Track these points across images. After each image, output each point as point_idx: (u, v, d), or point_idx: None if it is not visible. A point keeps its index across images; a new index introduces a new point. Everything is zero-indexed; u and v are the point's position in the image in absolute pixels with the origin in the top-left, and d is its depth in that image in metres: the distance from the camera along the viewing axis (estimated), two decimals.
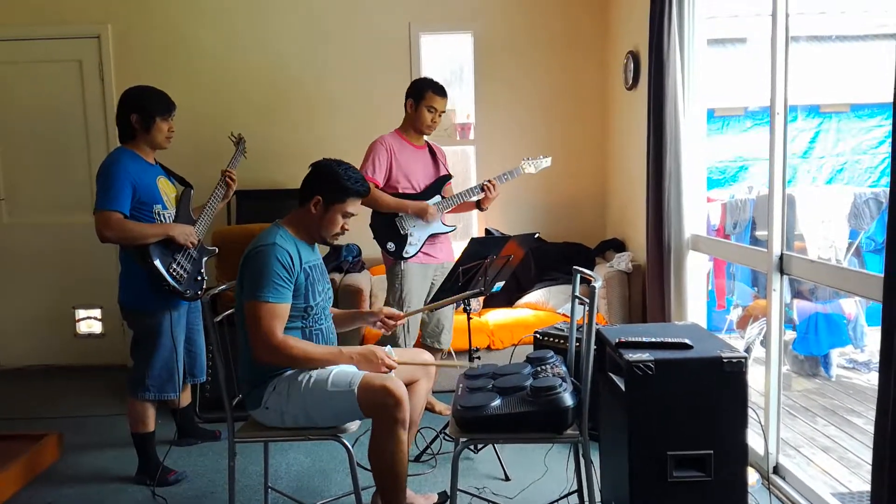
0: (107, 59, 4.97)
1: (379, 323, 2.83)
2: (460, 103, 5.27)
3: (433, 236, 3.72)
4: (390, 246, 3.63)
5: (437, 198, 3.73)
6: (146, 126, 3.17)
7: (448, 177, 3.83)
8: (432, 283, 3.79)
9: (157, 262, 3.06)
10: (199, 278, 3.26)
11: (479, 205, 3.78)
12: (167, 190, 3.27)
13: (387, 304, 2.88)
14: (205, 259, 3.32)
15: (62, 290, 5.11)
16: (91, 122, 5.03)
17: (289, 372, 2.52)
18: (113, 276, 3.25)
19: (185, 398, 3.60)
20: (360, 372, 2.49)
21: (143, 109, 3.16)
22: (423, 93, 3.68)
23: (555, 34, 5.09)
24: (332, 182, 2.55)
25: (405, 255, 3.64)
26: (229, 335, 2.66)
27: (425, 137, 3.83)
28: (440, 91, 3.70)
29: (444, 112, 3.75)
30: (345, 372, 2.49)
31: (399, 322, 2.86)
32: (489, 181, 3.68)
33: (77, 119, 5.03)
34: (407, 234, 3.64)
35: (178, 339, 3.26)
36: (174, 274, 3.12)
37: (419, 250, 3.68)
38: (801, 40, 7.15)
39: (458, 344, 3.92)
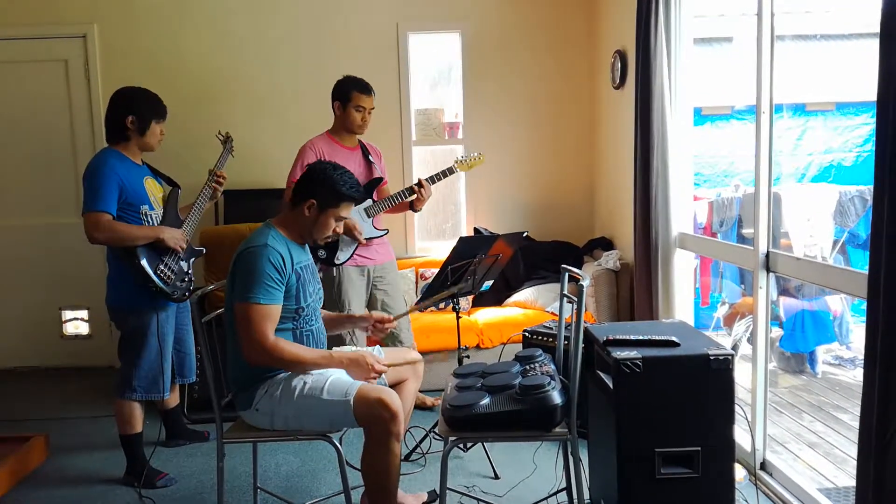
0: (93, 58, 4.93)
1: (371, 329, 2.84)
2: (449, 103, 5.27)
3: (367, 240, 3.69)
4: (321, 253, 3.60)
5: (368, 201, 3.69)
6: (141, 129, 3.16)
7: (379, 179, 3.78)
8: (374, 285, 3.78)
9: (145, 263, 3.05)
10: (187, 279, 3.25)
11: (412, 205, 3.73)
12: (154, 190, 3.26)
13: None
14: (192, 260, 3.32)
15: (48, 291, 5.07)
16: (77, 123, 4.99)
17: (281, 375, 2.52)
18: (99, 276, 3.23)
19: (174, 399, 3.59)
20: (357, 381, 2.49)
21: (139, 112, 3.15)
22: (349, 93, 3.64)
23: (542, 33, 5.10)
24: (327, 187, 2.55)
25: (336, 262, 3.63)
26: (218, 335, 2.65)
27: (359, 137, 3.78)
28: (365, 89, 3.66)
29: (373, 109, 3.70)
30: (341, 381, 2.49)
31: (390, 326, 2.85)
32: (420, 181, 3.66)
33: (63, 119, 4.99)
34: (338, 241, 3.61)
35: (167, 339, 3.24)
36: (161, 275, 3.11)
37: (351, 255, 3.66)
38: (786, 39, 7.20)
39: (447, 343, 3.92)
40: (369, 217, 3.68)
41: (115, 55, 4.95)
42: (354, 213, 3.62)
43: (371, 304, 3.82)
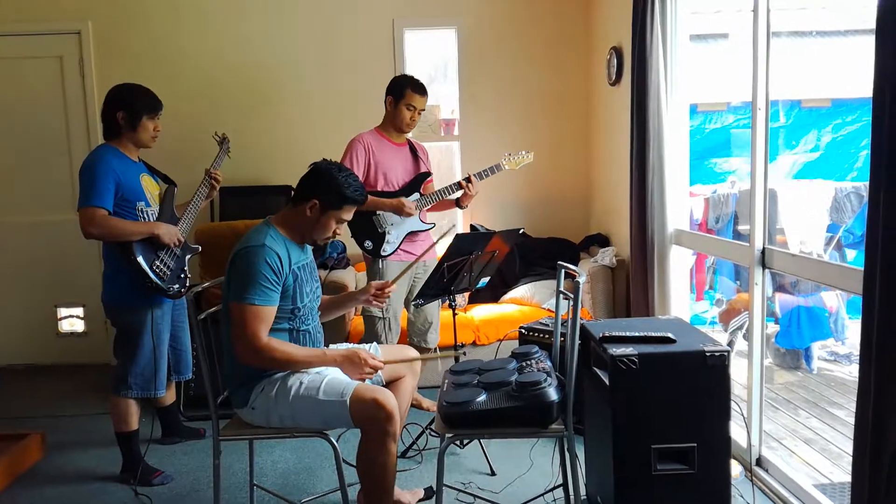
0: (87, 55, 4.92)
1: (371, 299, 2.80)
2: (445, 99, 5.27)
3: (412, 234, 3.70)
4: (368, 244, 3.61)
5: (416, 195, 3.72)
6: (132, 124, 3.14)
7: (427, 174, 3.80)
8: (414, 282, 3.78)
9: (141, 260, 3.05)
10: (183, 276, 3.25)
11: (458, 202, 3.74)
12: (150, 187, 3.25)
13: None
14: (188, 257, 3.31)
15: (44, 288, 5.06)
16: (72, 119, 4.98)
17: (278, 374, 2.51)
18: (95, 274, 3.23)
19: (170, 396, 3.59)
20: (353, 382, 2.48)
21: (129, 107, 3.13)
22: (403, 91, 3.65)
23: (539, 29, 5.10)
24: (332, 188, 2.52)
25: (383, 254, 3.63)
26: (214, 333, 2.65)
27: (408, 135, 3.82)
28: (420, 89, 3.67)
29: (423, 110, 3.72)
30: (337, 381, 2.48)
31: (389, 288, 2.80)
32: (468, 177, 3.66)
33: (58, 116, 4.97)
34: (384, 232, 3.62)
35: (162, 336, 3.24)
36: (157, 271, 3.10)
37: (397, 248, 3.66)
38: (782, 36, 7.21)
39: (443, 339, 3.92)
40: (416, 211, 3.68)
41: (110, 51, 4.93)
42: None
43: (408, 299, 3.82)
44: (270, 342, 2.42)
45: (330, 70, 5.02)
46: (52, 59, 4.95)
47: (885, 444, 2.04)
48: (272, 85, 5.02)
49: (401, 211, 3.59)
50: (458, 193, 3.69)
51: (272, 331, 2.45)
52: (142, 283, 3.07)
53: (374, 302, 2.80)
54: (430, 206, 3.74)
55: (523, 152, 3.85)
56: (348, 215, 2.61)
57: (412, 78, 3.74)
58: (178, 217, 3.27)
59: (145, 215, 3.15)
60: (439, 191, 3.70)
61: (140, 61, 4.90)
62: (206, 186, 3.36)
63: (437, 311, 3.88)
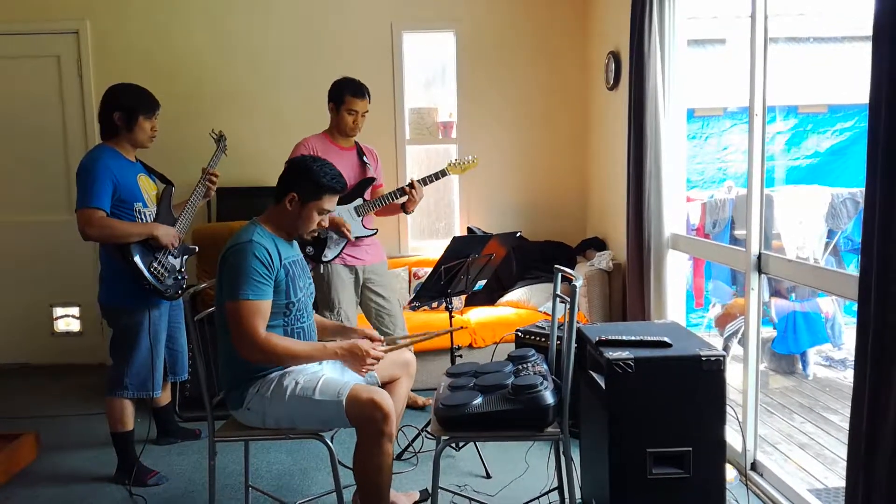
0: (85, 54, 4.91)
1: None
2: (443, 102, 5.28)
3: (356, 239, 3.68)
4: (309, 250, 3.59)
5: (359, 200, 3.69)
6: (129, 124, 3.14)
7: (372, 179, 3.76)
8: (365, 286, 3.77)
9: (138, 260, 3.05)
10: (180, 277, 3.25)
11: (403, 207, 3.71)
12: (148, 188, 3.25)
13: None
14: (185, 258, 3.31)
15: (39, 287, 5.05)
16: (69, 119, 4.97)
17: (273, 375, 2.51)
18: (91, 273, 3.22)
19: (165, 397, 3.58)
20: (349, 382, 2.48)
21: (126, 107, 3.13)
22: (342, 96, 3.63)
23: (537, 33, 5.11)
24: (307, 179, 2.53)
25: (323, 259, 3.62)
26: (210, 334, 2.64)
27: (355, 138, 3.78)
28: (358, 92, 3.64)
29: (366, 112, 3.69)
30: (334, 381, 2.48)
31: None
32: (412, 182, 3.64)
33: (55, 115, 4.97)
34: (326, 238, 3.60)
35: (159, 337, 3.23)
36: (155, 272, 3.10)
37: (340, 252, 3.65)
38: (779, 42, 7.23)
39: (440, 342, 3.92)
40: (359, 216, 3.68)
41: (108, 51, 4.93)
42: (344, 212, 3.62)
43: (364, 305, 3.81)
44: (270, 337, 2.42)
45: (328, 72, 4.96)
46: (50, 58, 4.95)
47: (880, 449, 2.05)
48: (271, 86, 5.02)
49: (340, 231, 3.56)
50: (404, 199, 3.67)
51: (268, 328, 2.45)
52: (139, 285, 3.07)
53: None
54: (376, 211, 3.72)
55: (468, 157, 3.87)
56: (330, 204, 2.59)
57: (351, 81, 3.70)
58: (176, 217, 3.27)
59: (143, 216, 3.15)
60: (383, 196, 3.70)
61: (138, 61, 4.90)
62: (203, 186, 3.36)
63: (398, 309, 3.87)
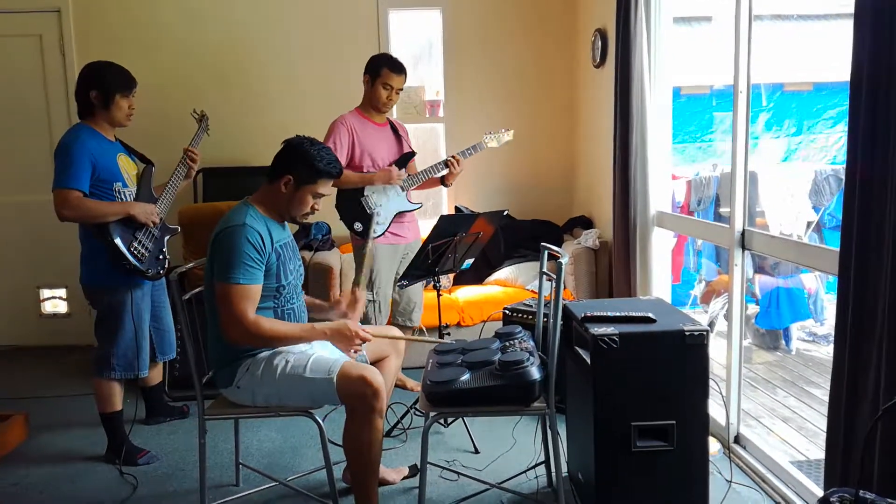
0: (67, 33, 4.85)
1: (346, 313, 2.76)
2: (429, 80, 5.25)
3: (400, 214, 3.71)
4: (357, 226, 3.61)
5: (403, 174, 3.73)
6: (105, 103, 3.11)
7: (412, 154, 3.81)
8: (401, 263, 3.79)
9: (118, 241, 3.02)
10: (161, 257, 3.22)
11: (443, 181, 3.76)
12: (128, 167, 3.22)
13: (355, 284, 2.87)
14: (167, 238, 3.28)
15: (26, 269, 5.02)
16: (52, 98, 4.91)
17: (263, 353, 2.52)
18: (77, 254, 3.20)
19: (155, 376, 3.58)
20: (339, 359, 2.49)
21: (102, 86, 3.09)
22: (380, 69, 3.62)
23: (523, 11, 5.09)
24: (304, 162, 2.51)
25: (374, 235, 3.64)
26: (198, 313, 2.65)
27: (388, 114, 3.81)
28: (396, 68, 3.64)
29: (401, 89, 3.70)
30: (324, 359, 2.50)
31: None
32: (453, 156, 3.67)
33: (37, 95, 4.91)
34: (374, 214, 3.62)
35: (143, 317, 3.23)
36: (135, 252, 3.08)
37: (387, 229, 3.68)
38: (765, 19, 7.23)
39: (428, 321, 3.95)
40: (403, 191, 3.69)
41: (90, 29, 4.86)
42: (390, 187, 3.63)
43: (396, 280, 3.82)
44: (258, 320, 2.43)
45: (313, 49, 4.98)
46: (32, 37, 4.87)
47: (859, 422, 2.09)
48: (255, 64, 4.98)
49: (391, 179, 3.59)
50: (444, 172, 3.70)
51: (258, 310, 2.46)
52: (119, 265, 3.05)
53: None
54: (416, 186, 3.75)
55: (503, 130, 3.88)
56: (324, 189, 2.59)
57: (390, 57, 3.72)
58: (157, 197, 3.25)
59: (123, 196, 3.12)
60: (426, 170, 3.71)
61: (120, 39, 4.83)
62: (185, 166, 3.33)
63: (420, 292, 3.90)
